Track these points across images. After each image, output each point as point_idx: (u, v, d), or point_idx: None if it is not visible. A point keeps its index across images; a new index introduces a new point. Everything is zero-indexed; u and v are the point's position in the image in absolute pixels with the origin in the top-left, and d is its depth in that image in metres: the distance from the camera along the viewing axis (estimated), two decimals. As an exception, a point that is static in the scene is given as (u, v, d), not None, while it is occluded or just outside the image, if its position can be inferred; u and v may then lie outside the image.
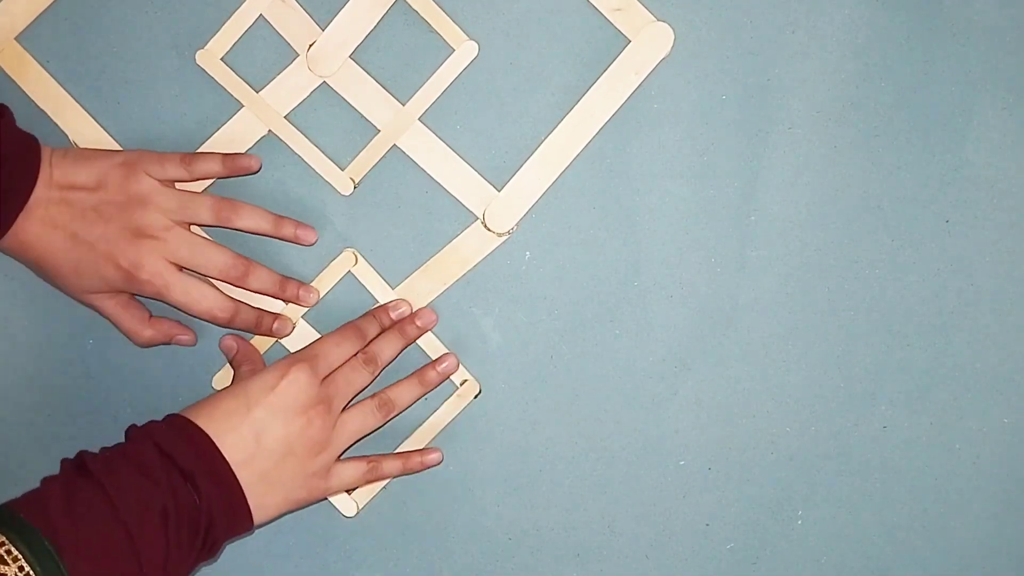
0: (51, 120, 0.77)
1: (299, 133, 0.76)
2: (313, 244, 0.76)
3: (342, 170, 0.77)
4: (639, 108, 0.75)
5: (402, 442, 0.78)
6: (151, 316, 0.76)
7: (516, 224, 0.76)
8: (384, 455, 0.76)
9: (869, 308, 0.77)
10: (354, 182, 0.77)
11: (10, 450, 0.79)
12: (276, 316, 0.77)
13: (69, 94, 0.77)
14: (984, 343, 0.77)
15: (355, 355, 0.74)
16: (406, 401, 0.76)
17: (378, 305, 0.77)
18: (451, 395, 0.78)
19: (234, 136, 0.77)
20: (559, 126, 0.76)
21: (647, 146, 0.76)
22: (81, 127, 0.77)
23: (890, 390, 0.77)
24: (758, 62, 0.75)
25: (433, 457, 0.77)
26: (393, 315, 0.76)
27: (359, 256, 0.78)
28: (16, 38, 0.76)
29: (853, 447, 0.78)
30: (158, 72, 0.77)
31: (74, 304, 0.77)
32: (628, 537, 0.79)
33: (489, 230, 0.77)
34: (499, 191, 0.76)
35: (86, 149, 0.75)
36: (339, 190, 0.77)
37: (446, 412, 0.78)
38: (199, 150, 0.77)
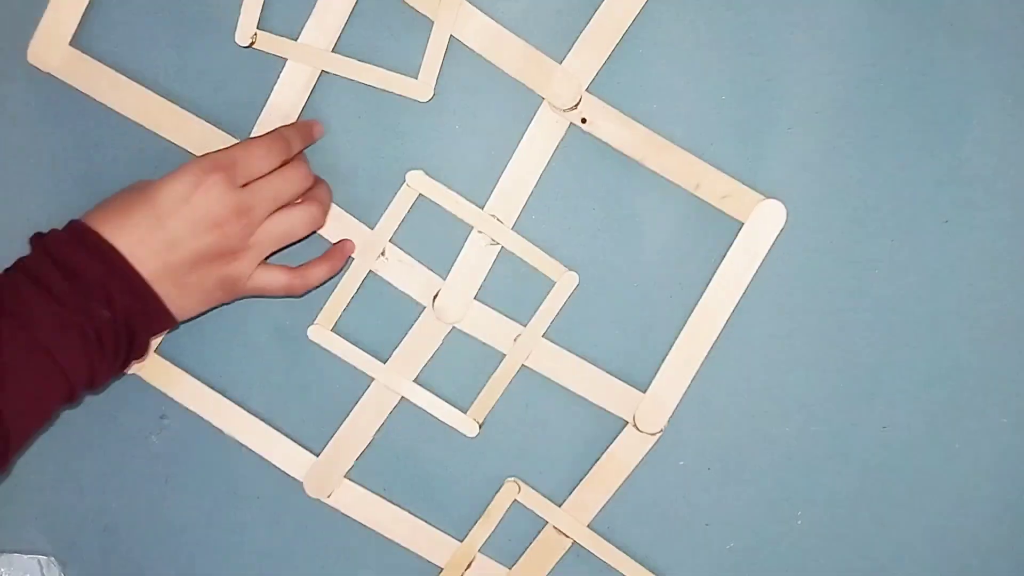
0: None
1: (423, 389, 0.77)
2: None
3: (464, 412, 0.77)
4: (638, 107, 0.75)
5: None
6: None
7: (667, 421, 0.77)
8: (309, 263, 0.75)
9: (869, 308, 0.77)
10: (478, 423, 0.77)
11: (10, 450, 0.79)
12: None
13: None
14: (984, 343, 0.77)
15: (281, 165, 0.71)
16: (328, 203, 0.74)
17: (301, 122, 0.76)
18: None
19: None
20: (691, 318, 0.76)
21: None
22: None
23: (890, 390, 0.77)
24: (758, 62, 0.75)
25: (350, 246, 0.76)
26: (315, 132, 0.76)
27: (520, 484, 0.78)
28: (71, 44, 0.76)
29: (853, 447, 0.78)
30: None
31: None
32: (628, 537, 0.79)
33: (641, 431, 0.77)
34: (643, 392, 0.77)
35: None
36: (466, 433, 0.77)
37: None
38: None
